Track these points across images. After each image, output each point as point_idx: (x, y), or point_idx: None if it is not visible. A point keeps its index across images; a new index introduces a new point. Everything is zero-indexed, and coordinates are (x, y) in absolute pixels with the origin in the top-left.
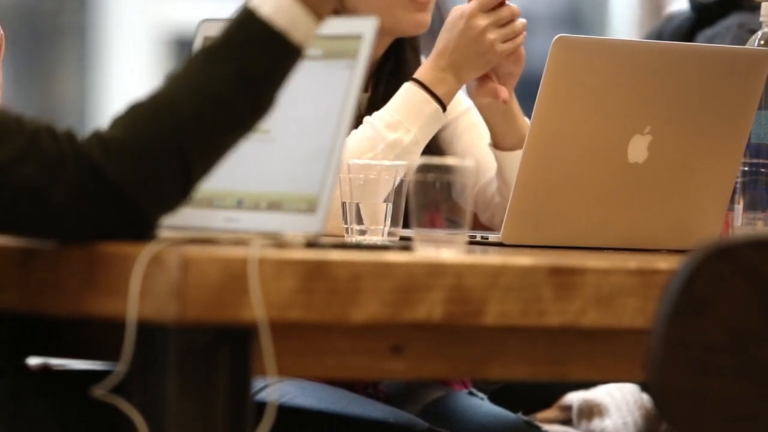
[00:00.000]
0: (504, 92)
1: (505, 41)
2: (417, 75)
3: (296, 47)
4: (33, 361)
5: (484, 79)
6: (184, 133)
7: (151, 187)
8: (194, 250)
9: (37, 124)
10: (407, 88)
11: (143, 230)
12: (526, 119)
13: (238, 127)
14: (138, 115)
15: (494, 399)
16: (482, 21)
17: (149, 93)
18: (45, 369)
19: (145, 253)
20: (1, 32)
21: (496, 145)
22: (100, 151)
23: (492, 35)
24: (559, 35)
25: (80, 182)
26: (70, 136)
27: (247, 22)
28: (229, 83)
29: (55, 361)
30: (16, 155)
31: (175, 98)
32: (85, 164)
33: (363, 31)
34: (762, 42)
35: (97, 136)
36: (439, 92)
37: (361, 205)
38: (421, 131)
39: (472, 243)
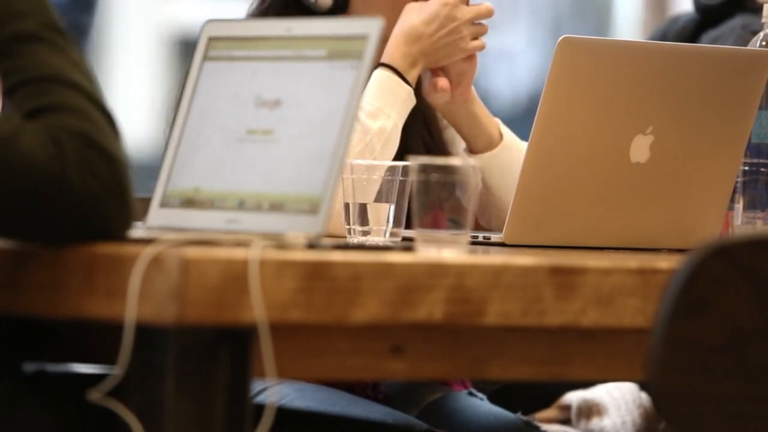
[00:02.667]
0: (442, 81)
1: (473, 39)
2: (388, 60)
3: None
4: (29, 364)
5: (432, 73)
6: (84, 87)
7: (108, 137)
8: (194, 252)
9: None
10: (381, 75)
11: (130, 192)
12: (496, 119)
13: (90, 68)
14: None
15: (494, 399)
16: (463, 13)
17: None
18: (41, 372)
19: (145, 254)
20: None
21: (469, 149)
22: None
23: (466, 30)
24: (563, 36)
25: (79, 154)
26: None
27: None
28: (41, 34)
29: (52, 365)
30: (10, 133)
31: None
32: (76, 135)
33: (368, 31)
34: (763, 43)
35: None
36: (410, 77)
37: (360, 206)
38: (399, 115)
39: (474, 243)
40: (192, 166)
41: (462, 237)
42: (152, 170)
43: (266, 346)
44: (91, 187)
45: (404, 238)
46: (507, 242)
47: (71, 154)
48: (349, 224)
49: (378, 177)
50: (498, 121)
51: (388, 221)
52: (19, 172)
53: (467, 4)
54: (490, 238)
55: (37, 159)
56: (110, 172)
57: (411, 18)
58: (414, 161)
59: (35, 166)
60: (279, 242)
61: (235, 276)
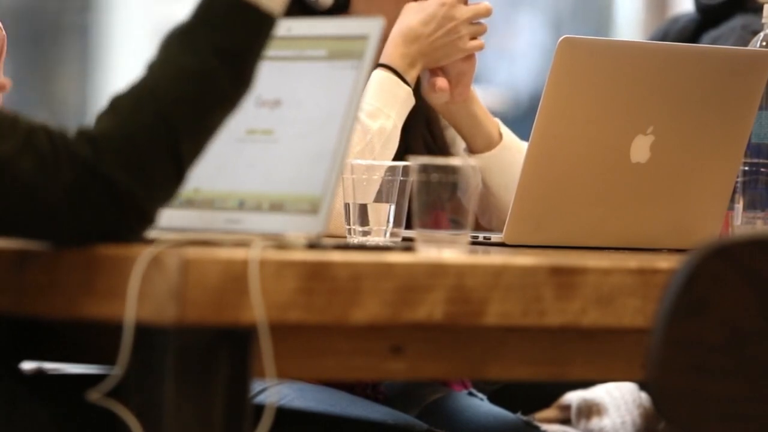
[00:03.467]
0: (441, 81)
1: (472, 38)
2: (387, 60)
3: (268, 15)
4: (28, 365)
5: (431, 73)
6: (169, 117)
7: (145, 177)
8: (194, 252)
9: (32, 123)
10: (380, 75)
11: (141, 224)
12: (496, 119)
13: (222, 103)
14: (121, 106)
15: (494, 399)
16: (462, 13)
17: (130, 83)
18: (40, 373)
19: (145, 254)
20: (3, 33)
21: (469, 149)
22: (89, 148)
23: (464, 30)
24: (564, 36)
25: (75, 181)
26: (63, 135)
27: None
28: (206, 60)
29: (51, 365)
30: (11, 153)
31: (154, 83)
32: (79, 162)
33: (369, 31)
34: (764, 43)
35: (83, 134)
36: (409, 78)
37: (360, 206)
38: (399, 115)
39: (474, 243)
40: None
41: (462, 237)
42: None
43: (266, 346)
44: (84, 219)
45: (404, 239)
46: (507, 242)
47: (67, 183)
48: (349, 224)
49: (378, 177)
50: (498, 121)
51: (388, 221)
52: (14, 196)
53: (465, 3)
54: (490, 238)
55: (31, 185)
56: (109, 206)
57: (409, 18)
58: (414, 161)
59: (29, 194)
60: (279, 242)
61: (235, 276)
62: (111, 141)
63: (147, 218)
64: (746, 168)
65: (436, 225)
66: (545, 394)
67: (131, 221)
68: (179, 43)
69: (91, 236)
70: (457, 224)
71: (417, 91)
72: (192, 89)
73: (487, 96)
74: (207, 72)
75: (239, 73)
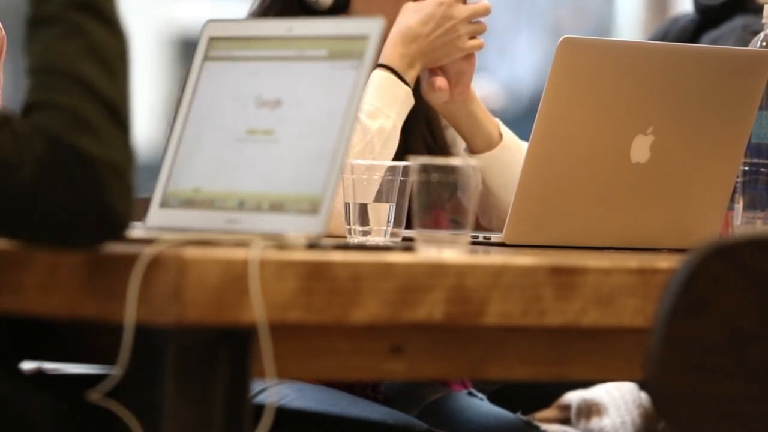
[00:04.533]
0: (440, 81)
1: (471, 37)
2: (386, 60)
3: None
4: (28, 365)
5: (431, 73)
6: (80, 75)
7: (97, 136)
8: (194, 252)
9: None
10: (379, 75)
11: (121, 193)
12: (496, 119)
13: (111, 50)
14: (34, 89)
15: (494, 399)
16: (460, 12)
17: (27, 69)
18: (40, 373)
19: (145, 254)
20: (3, 33)
21: (469, 149)
22: (48, 119)
23: (463, 29)
24: (564, 36)
25: (45, 155)
26: (20, 119)
27: None
28: (69, 20)
29: (51, 365)
30: None
31: (48, 58)
32: (48, 135)
33: (369, 31)
34: (764, 43)
35: (28, 118)
36: (408, 78)
37: (360, 206)
38: (398, 115)
39: (474, 243)
40: (192, 166)
41: (462, 237)
42: (152, 170)
43: (266, 346)
44: (62, 195)
45: (404, 239)
46: (507, 242)
47: (41, 160)
48: (349, 224)
49: (378, 177)
50: (498, 121)
51: (388, 221)
52: None
53: (464, 2)
54: (490, 238)
55: (2, 167)
56: (85, 178)
57: (407, 18)
58: (414, 161)
59: (5, 176)
60: (279, 242)
61: (235, 276)
62: (58, 113)
63: (124, 183)
64: (746, 168)
65: (436, 225)
66: (545, 394)
67: (109, 189)
68: (39, 20)
69: (77, 211)
70: (457, 224)
71: (417, 91)
72: (76, 46)
73: (486, 95)
74: (76, 26)
75: (105, 20)
